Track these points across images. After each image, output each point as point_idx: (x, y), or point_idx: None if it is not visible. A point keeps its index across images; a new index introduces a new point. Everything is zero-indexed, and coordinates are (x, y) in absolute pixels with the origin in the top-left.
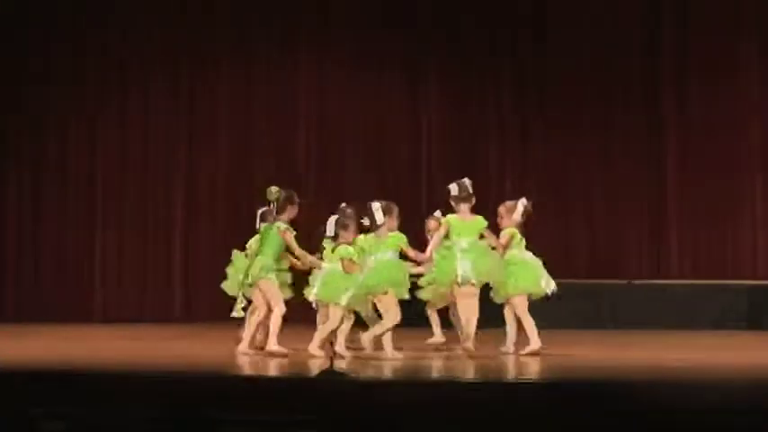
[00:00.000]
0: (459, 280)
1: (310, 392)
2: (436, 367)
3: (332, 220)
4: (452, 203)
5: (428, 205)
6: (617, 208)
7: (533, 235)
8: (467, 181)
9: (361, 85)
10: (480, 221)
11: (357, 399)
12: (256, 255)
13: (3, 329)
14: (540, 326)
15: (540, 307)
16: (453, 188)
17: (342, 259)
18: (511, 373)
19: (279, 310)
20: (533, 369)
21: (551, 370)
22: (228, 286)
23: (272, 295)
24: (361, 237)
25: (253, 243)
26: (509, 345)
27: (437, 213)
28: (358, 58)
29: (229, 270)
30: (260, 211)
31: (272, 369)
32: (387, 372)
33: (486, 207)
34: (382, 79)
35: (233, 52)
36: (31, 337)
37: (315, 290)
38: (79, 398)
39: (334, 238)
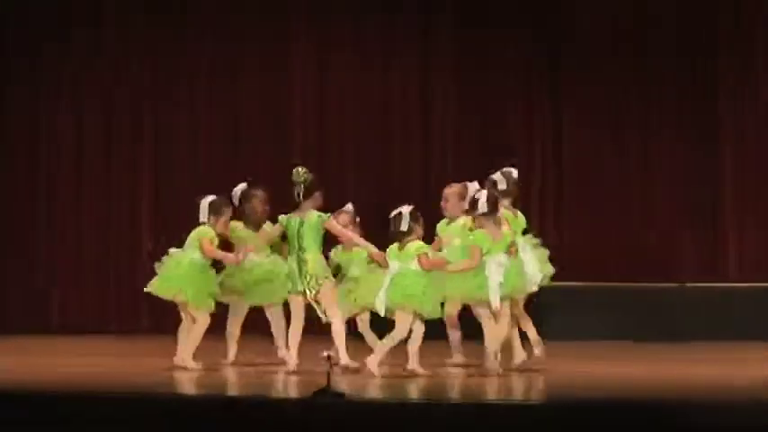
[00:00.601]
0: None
1: (303, 415)
2: (453, 387)
3: (405, 212)
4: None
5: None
6: (667, 198)
7: (569, 230)
8: (514, 171)
9: (364, 53)
10: (523, 218)
11: (357, 424)
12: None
13: None
14: (574, 337)
15: (573, 315)
16: (500, 180)
17: (419, 257)
18: (533, 394)
19: (340, 320)
20: (560, 390)
21: (585, 389)
22: (163, 288)
23: (332, 302)
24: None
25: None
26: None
27: (349, 207)
28: (361, 19)
29: (167, 270)
30: (207, 201)
31: (259, 389)
32: (394, 393)
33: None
34: (389, 47)
35: (220, 29)
36: None
37: (383, 295)
38: (28, 424)
39: (407, 233)
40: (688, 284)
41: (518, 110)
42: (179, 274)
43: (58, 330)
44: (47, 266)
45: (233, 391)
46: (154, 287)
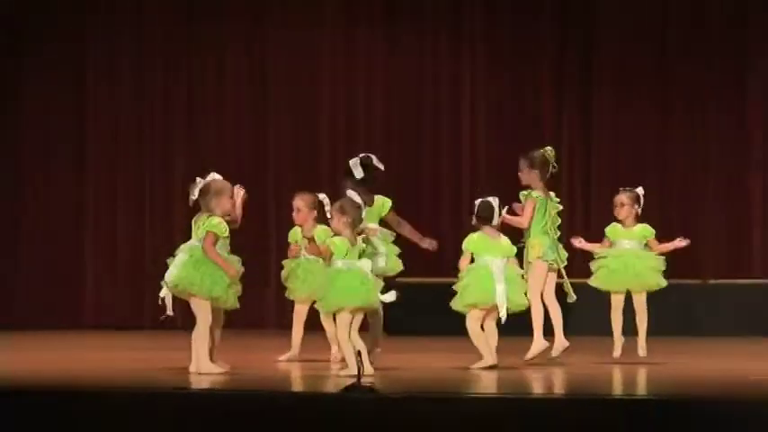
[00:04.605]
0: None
1: (332, 412)
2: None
3: (495, 203)
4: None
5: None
6: (691, 192)
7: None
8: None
9: (392, 43)
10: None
11: (388, 420)
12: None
13: None
14: (596, 333)
15: (592, 313)
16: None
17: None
18: (550, 389)
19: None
20: (571, 384)
21: (609, 384)
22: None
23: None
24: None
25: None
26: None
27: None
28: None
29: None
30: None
31: (289, 384)
32: (427, 388)
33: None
34: (418, 38)
35: (245, 11)
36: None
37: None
38: (57, 421)
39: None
40: (711, 281)
41: (549, 97)
42: None
43: (92, 327)
44: (77, 261)
45: (263, 387)
46: None
